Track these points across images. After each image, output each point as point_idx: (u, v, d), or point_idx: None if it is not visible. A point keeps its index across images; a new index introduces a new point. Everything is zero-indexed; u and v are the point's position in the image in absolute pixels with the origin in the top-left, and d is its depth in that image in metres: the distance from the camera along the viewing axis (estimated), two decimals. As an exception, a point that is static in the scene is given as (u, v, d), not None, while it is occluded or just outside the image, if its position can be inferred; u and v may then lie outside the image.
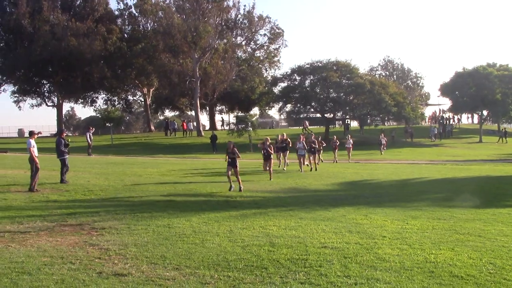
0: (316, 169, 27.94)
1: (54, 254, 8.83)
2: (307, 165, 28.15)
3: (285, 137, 29.35)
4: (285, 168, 28.03)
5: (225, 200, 16.27)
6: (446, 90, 68.69)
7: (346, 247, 9.54)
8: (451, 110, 73.01)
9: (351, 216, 13.34)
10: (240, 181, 19.01)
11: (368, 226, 11.90)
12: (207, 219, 12.64)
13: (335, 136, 39.18)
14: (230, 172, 19.08)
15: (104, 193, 17.25)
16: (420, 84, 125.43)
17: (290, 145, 28.99)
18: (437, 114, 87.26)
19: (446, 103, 78.06)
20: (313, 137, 30.29)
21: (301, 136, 28.17)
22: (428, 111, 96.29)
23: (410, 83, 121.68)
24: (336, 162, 36.05)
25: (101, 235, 10.54)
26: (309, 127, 67.72)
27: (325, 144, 33.52)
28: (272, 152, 24.36)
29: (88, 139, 40.64)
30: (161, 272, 7.81)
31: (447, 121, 77.26)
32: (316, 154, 29.39)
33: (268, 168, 23.83)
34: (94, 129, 43.98)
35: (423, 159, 41.91)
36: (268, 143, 24.38)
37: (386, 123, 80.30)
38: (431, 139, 63.48)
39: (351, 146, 39.31)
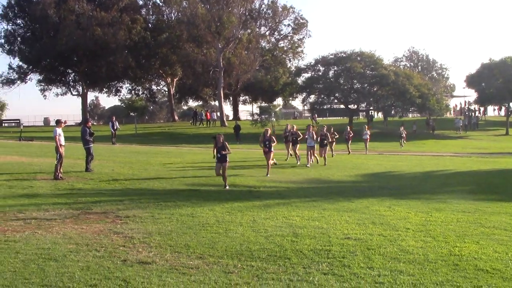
0: (324, 164, 25.72)
1: (80, 241, 8.94)
2: (314, 157, 25.86)
3: (295, 128, 27.28)
4: (298, 162, 25.77)
5: (248, 190, 16.30)
6: (472, 81, 67.69)
7: (370, 239, 9.50)
8: (477, 102, 71.99)
9: (375, 207, 13.28)
10: (226, 178, 17.15)
11: (392, 218, 11.84)
12: (230, 208, 12.68)
13: (348, 127, 37.93)
14: (220, 170, 17.30)
15: (128, 182, 17.40)
16: (445, 76, 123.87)
17: (300, 137, 26.50)
18: (463, 106, 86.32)
19: (472, 94, 77.12)
20: (325, 129, 27.70)
21: (310, 127, 26.35)
22: (453, 103, 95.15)
23: (435, 74, 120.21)
24: (349, 153, 34.34)
25: (125, 223, 10.63)
26: (317, 118, 66.83)
27: (337, 136, 31.85)
28: (275, 142, 21.78)
29: (112, 128, 41.03)
30: (185, 260, 7.86)
31: (473, 113, 76.33)
32: (327, 147, 27.12)
33: (267, 162, 21.38)
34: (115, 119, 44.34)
35: (448, 151, 41.52)
36: (268, 135, 21.70)
37: (410, 114, 79.62)
38: (456, 131, 62.69)
39: (368, 137, 37.13)
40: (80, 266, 7.42)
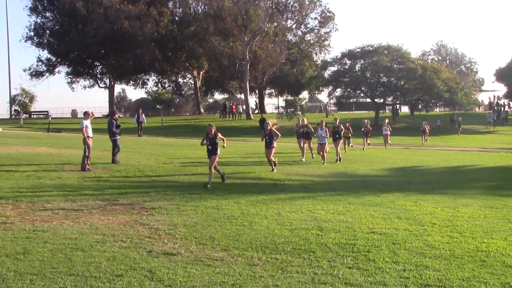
0: (337, 159, 23.97)
1: (106, 232, 9.03)
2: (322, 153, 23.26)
3: (305, 122, 25.36)
4: (313, 156, 24.79)
5: (273, 183, 16.31)
6: (501, 75, 66.85)
7: (395, 233, 9.45)
8: (507, 96, 70.97)
9: (400, 202, 13.20)
10: (212, 173, 15.70)
11: (418, 212, 11.75)
12: (255, 201, 12.71)
13: (366, 120, 35.29)
14: (215, 163, 16.07)
15: (154, 174, 17.52)
16: (474, 70, 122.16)
17: (313, 131, 24.91)
18: (492, 101, 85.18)
19: (501, 89, 76.09)
20: (337, 121, 25.51)
21: (323, 122, 24.05)
22: (481, 97, 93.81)
23: (463, 68, 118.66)
24: (364, 149, 32.41)
25: (151, 215, 10.72)
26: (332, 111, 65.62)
27: (352, 133, 30.05)
28: (280, 135, 19.80)
29: (136, 120, 41.39)
30: (210, 252, 7.90)
31: (502, 108, 75.23)
32: (340, 140, 25.21)
33: (268, 158, 19.58)
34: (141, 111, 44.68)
35: (476, 146, 40.99)
36: (270, 127, 19.55)
37: (437, 109, 78.79)
38: (487, 126, 61.63)
39: (388, 133, 35.31)
40: (106, 256, 7.50)
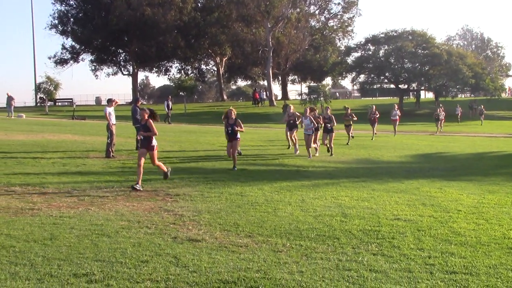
0: (330, 153, 20.69)
1: (131, 218, 9.11)
2: (315, 147, 20.36)
3: (292, 109, 22.02)
4: (297, 152, 20.65)
5: (296, 170, 16.29)
6: (528, 60, 65.61)
7: (420, 220, 9.39)
8: (534, 81, 69.81)
9: (425, 188, 13.10)
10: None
11: (443, 199, 11.65)
12: (279, 188, 12.70)
13: (373, 106, 31.43)
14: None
15: (178, 161, 17.61)
16: (501, 55, 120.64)
17: (298, 121, 21.67)
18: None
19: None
20: (328, 111, 22.22)
21: (307, 110, 20.36)
22: (508, 83, 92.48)
23: (489, 53, 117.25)
24: (373, 138, 29.16)
25: (175, 201, 10.77)
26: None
27: (356, 118, 26.63)
28: (242, 130, 16.55)
29: (166, 107, 41.58)
30: (234, 239, 7.92)
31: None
32: (333, 134, 21.29)
33: (230, 152, 16.49)
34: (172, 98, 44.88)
35: (502, 132, 40.51)
36: (232, 117, 16.43)
37: (462, 95, 77.88)
38: None
39: (397, 118, 32.80)
40: (132, 242, 7.57)
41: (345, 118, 26.42)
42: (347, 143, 25.20)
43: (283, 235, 8.16)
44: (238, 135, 16.33)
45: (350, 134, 26.26)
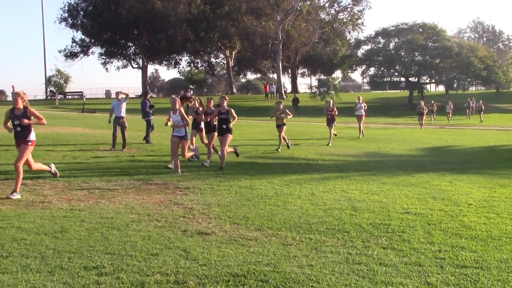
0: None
1: (141, 211, 9.13)
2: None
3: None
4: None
5: (306, 163, 16.26)
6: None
7: (430, 214, 9.35)
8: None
9: (435, 182, 13.04)
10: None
11: (453, 193, 11.60)
12: (289, 181, 12.69)
13: (331, 101, 25.20)
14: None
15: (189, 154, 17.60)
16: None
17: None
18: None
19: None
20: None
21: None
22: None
23: (501, 46, 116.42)
24: (360, 136, 25.96)
25: (185, 194, 10.79)
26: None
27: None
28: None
29: None
30: (244, 232, 7.92)
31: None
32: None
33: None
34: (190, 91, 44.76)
35: (513, 125, 40.27)
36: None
37: (473, 88, 77.48)
38: None
39: (363, 113, 26.63)
40: (141, 235, 7.58)
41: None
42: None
43: (293, 229, 8.16)
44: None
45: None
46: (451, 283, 5.89)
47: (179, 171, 13.27)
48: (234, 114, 14.88)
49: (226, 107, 14.88)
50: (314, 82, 73.67)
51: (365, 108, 26.91)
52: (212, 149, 15.64)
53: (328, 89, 56.80)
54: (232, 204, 9.87)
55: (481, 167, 16.52)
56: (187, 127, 13.74)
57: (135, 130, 23.51)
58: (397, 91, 77.48)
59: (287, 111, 20.21)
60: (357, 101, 27.14)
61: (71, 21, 73.55)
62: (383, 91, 79.92)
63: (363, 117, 26.57)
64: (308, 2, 72.32)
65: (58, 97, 61.93)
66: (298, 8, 69.58)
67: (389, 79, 70.38)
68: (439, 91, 76.77)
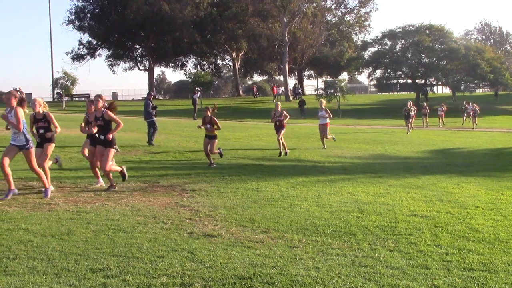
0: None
1: (147, 213, 9.13)
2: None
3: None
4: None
5: (312, 165, 16.24)
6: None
7: (437, 216, 9.31)
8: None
9: (442, 184, 13.00)
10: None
11: (460, 195, 11.56)
12: (295, 183, 12.68)
13: (278, 104, 20.45)
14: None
15: (194, 156, 17.64)
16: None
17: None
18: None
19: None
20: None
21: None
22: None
23: (508, 48, 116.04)
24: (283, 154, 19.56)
25: (191, 196, 10.79)
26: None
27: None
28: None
29: (193, 103, 41.35)
30: (250, 234, 7.91)
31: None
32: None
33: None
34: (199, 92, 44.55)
35: (520, 127, 40.10)
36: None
37: (480, 90, 77.25)
38: None
39: (327, 122, 21.94)
40: (148, 237, 7.58)
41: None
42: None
43: (299, 231, 8.14)
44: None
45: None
46: (458, 286, 5.86)
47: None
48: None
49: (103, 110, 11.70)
50: (321, 84, 73.54)
51: (330, 116, 22.36)
52: None
53: (334, 91, 56.64)
54: (238, 206, 9.86)
55: (489, 170, 16.46)
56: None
57: (141, 132, 23.54)
58: (404, 93, 77.31)
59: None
60: (320, 106, 22.60)
61: (78, 23, 73.79)
62: (390, 93, 79.77)
63: (327, 125, 21.92)
64: (315, 4, 72.27)
65: (65, 99, 62.04)
66: (305, 10, 69.63)
67: (395, 81, 70.28)
68: (446, 93, 76.49)
